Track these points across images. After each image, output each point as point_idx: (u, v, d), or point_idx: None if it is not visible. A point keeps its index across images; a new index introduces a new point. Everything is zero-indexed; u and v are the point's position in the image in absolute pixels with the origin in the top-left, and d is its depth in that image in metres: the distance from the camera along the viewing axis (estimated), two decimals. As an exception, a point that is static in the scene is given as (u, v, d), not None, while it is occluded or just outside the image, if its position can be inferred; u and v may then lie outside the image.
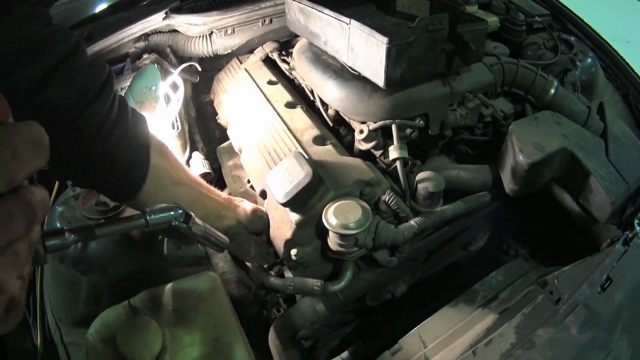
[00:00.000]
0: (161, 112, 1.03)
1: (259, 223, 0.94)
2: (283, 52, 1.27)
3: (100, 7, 1.46)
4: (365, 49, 0.93)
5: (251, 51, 1.29)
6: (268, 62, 1.28)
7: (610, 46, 1.57)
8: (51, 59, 0.60)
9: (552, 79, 1.20)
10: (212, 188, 0.88)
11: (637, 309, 0.92)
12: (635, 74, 1.56)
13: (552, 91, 1.18)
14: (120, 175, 0.71)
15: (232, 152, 1.19)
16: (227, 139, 1.20)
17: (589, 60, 1.43)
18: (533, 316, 0.88)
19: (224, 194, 0.90)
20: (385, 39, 0.87)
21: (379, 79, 0.92)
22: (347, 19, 0.95)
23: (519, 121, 1.07)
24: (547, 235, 1.26)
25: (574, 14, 1.62)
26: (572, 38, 1.47)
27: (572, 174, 1.03)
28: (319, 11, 1.03)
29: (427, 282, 1.15)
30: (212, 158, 1.22)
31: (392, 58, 0.89)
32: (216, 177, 1.20)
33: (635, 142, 1.17)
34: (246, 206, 0.93)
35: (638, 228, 1.03)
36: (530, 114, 1.17)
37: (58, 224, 0.93)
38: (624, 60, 1.56)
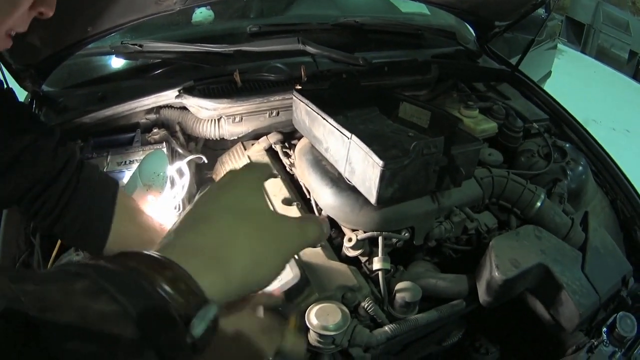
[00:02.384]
0: (166, 194, 1.10)
1: None
2: (286, 145, 1.33)
3: (117, 64, 1.53)
4: (362, 166, 1.00)
5: (256, 138, 1.36)
6: (271, 152, 1.34)
7: (605, 151, 1.63)
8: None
9: (539, 192, 1.25)
10: None
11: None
12: (626, 178, 1.62)
13: (538, 204, 1.24)
14: (79, 241, 0.81)
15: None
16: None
17: (580, 168, 1.49)
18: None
19: None
20: (381, 162, 0.94)
21: (371, 197, 0.99)
22: (349, 133, 1.02)
23: (500, 236, 1.13)
24: (518, 337, 1.31)
25: (572, 117, 1.69)
26: (567, 145, 1.54)
27: (545, 286, 1.09)
28: (324, 118, 1.10)
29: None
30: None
31: (386, 180, 0.96)
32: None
33: (614, 252, 1.24)
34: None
35: (604, 336, 1.08)
36: (515, 225, 1.23)
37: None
38: (615, 165, 1.62)
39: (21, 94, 1.19)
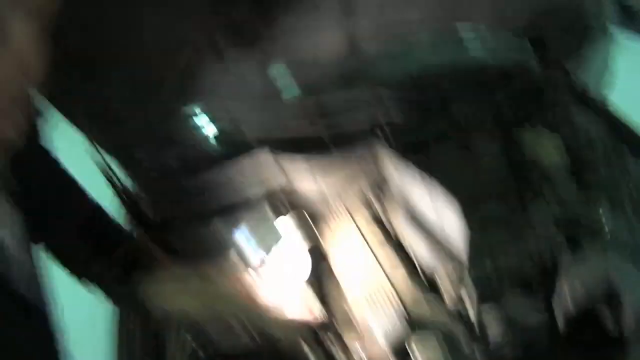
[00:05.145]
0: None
1: None
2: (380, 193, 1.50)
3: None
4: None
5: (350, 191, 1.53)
6: (367, 204, 1.51)
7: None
8: None
9: (605, 211, 1.29)
10: None
11: None
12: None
13: (607, 229, 1.30)
14: None
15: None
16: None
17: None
18: None
19: None
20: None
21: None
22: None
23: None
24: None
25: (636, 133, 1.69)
26: (632, 163, 1.55)
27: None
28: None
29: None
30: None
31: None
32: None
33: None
34: None
35: None
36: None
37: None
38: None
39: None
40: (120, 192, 1.30)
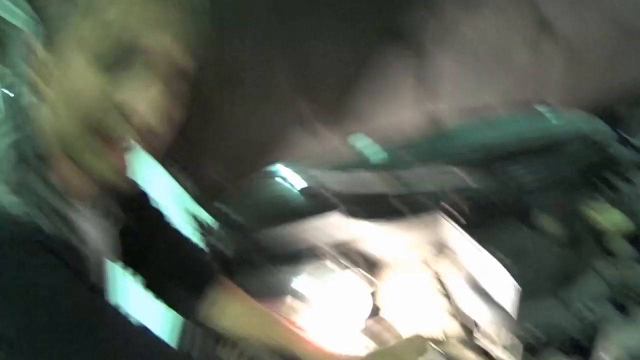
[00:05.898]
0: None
1: None
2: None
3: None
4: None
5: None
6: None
7: None
8: None
9: None
10: None
11: None
12: None
13: None
14: None
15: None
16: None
17: None
18: None
19: None
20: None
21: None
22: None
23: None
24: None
25: None
26: None
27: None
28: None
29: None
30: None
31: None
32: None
33: None
34: None
35: None
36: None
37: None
38: None
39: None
40: (205, 232, 1.50)
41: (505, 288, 1.20)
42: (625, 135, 1.88)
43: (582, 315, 1.23)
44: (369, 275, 1.55)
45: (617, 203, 1.56)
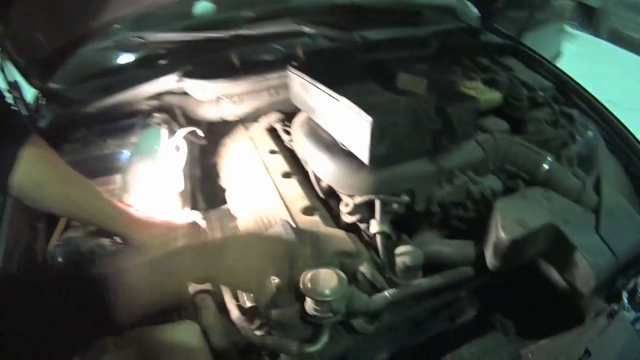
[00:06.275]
0: (164, 170, 1.13)
1: None
2: (286, 123, 1.34)
3: (121, 59, 1.57)
4: (352, 127, 0.99)
5: (257, 119, 1.37)
6: (272, 131, 1.36)
7: (614, 116, 1.58)
8: None
9: (545, 155, 1.22)
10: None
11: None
12: (638, 142, 1.56)
13: (545, 167, 1.20)
14: None
15: (230, 215, 1.25)
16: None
17: (590, 133, 1.44)
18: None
19: None
20: (369, 119, 0.93)
21: (364, 157, 0.98)
22: (338, 96, 1.02)
23: (505, 197, 1.10)
24: (535, 309, 1.26)
25: (578, 84, 1.64)
26: (574, 111, 1.49)
27: (557, 249, 1.05)
28: (316, 87, 1.10)
29: (412, 351, 1.16)
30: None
31: (376, 136, 0.94)
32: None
33: (631, 214, 1.18)
34: None
35: (625, 301, 1.02)
36: (523, 191, 1.19)
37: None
38: (627, 130, 1.56)
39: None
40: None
41: (361, 131, 0.98)
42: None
43: (465, 187, 1.10)
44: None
45: (491, 84, 1.45)
